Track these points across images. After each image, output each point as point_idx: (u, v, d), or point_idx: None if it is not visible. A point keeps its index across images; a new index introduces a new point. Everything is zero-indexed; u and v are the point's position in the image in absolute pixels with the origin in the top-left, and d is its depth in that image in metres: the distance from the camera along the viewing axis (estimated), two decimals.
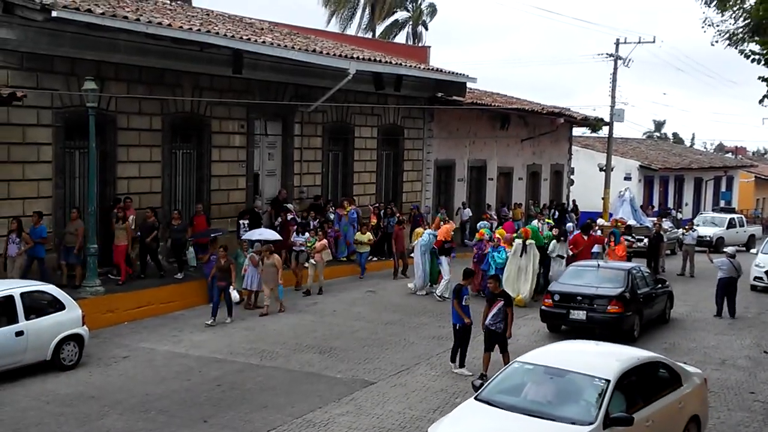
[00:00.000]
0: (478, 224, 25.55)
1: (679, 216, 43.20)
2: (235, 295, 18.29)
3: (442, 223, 23.68)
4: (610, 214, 30.74)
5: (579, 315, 17.43)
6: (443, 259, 21.67)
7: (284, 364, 15.06)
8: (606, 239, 24.33)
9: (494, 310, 14.05)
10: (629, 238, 26.13)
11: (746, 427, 12.44)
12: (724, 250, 22.67)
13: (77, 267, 18.54)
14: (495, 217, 31.74)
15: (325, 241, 21.94)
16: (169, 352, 15.73)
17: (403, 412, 12.52)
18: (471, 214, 32.21)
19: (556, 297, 17.82)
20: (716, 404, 13.37)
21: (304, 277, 21.94)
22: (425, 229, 23.61)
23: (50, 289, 14.88)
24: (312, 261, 21.50)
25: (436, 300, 20.96)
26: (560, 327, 17.98)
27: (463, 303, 14.51)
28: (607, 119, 43.78)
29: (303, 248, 21.74)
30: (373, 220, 26.22)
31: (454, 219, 29.92)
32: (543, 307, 18.05)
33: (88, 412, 12.34)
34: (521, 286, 20.94)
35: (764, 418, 12.89)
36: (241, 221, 22.59)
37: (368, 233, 24.28)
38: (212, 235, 20.63)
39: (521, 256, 21.16)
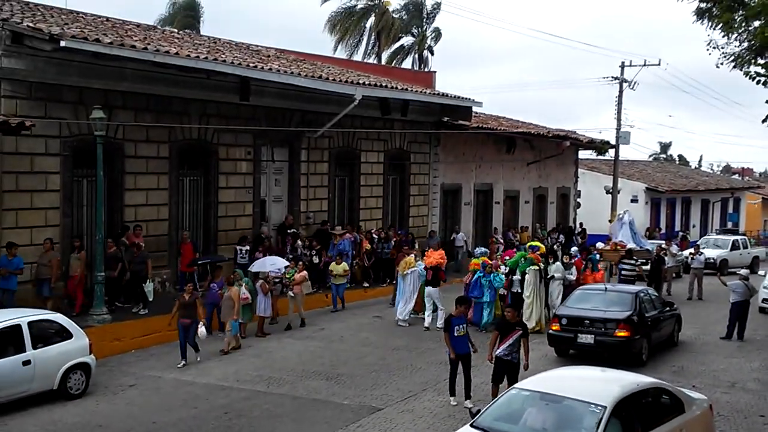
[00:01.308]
0: (476, 251, 23.96)
1: (688, 237, 42.98)
2: (202, 331, 16.82)
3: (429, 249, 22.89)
4: (607, 238, 30.42)
5: (587, 339, 17.36)
6: (433, 291, 20.68)
7: (291, 391, 15.02)
8: (583, 264, 23.47)
9: (510, 341, 13.46)
10: (632, 261, 25.61)
11: None
12: (738, 272, 22.53)
13: (51, 300, 17.79)
14: (501, 240, 31.70)
15: (304, 272, 20.92)
16: (175, 380, 15.71)
17: None
18: (466, 239, 31.44)
19: (564, 321, 17.76)
20: (726, 428, 13.28)
21: (280, 310, 20.70)
22: (413, 254, 22.66)
23: (58, 317, 14.90)
24: (290, 293, 20.40)
25: (437, 330, 20.12)
26: (568, 351, 17.90)
27: (455, 334, 13.90)
28: (612, 142, 43.84)
29: (277, 280, 20.78)
30: (366, 246, 25.85)
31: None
32: (551, 331, 18.00)
33: None
34: (535, 312, 20.73)
35: None
36: (238, 247, 22.41)
37: (343, 263, 22.78)
38: (213, 261, 20.60)
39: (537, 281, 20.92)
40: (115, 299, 19.54)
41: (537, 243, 23.89)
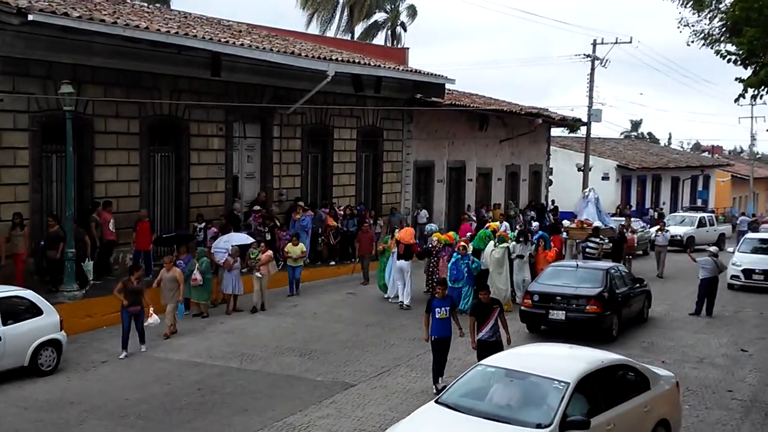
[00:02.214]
0: (428, 227, 24.07)
1: (666, 217, 43.27)
2: (155, 319, 16.00)
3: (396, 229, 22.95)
4: (575, 215, 30.43)
5: (558, 315, 17.51)
6: (405, 264, 20.64)
7: (264, 368, 15.03)
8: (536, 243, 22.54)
9: (492, 321, 13.30)
10: (597, 240, 25.27)
11: (724, 426, 12.53)
12: (708, 249, 22.78)
13: None
14: (474, 218, 31.80)
15: (270, 252, 20.32)
16: (148, 357, 15.65)
17: (383, 414, 12.53)
18: (428, 215, 31.28)
19: (536, 297, 17.90)
20: (694, 402, 13.48)
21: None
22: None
23: (28, 294, 14.77)
24: (257, 274, 19.76)
25: (403, 309, 20.33)
26: (540, 327, 18.07)
27: (437, 316, 13.57)
28: (584, 119, 44.06)
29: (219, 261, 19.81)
30: (332, 223, 25.60)
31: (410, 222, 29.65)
32: (522, 308, 18.14)
33: (67, 417, 12.26)
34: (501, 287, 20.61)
35: (742, 416, 13.00)
36: (196, 224, 21.97)
37: (300, 244, 21.71)
38: (179, 236, 20.51)
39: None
40: (59, 280, 18.14)
41: (491, 223, 23.92)
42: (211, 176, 23.21)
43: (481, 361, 10.80)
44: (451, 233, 22.45)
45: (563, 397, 9.34)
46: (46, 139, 18.77)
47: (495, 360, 10.66)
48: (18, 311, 14.29)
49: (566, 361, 10.42)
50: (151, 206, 21.68)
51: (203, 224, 21.80)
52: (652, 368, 11.63)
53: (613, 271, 18.90)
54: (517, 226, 29.09)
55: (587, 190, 32.90)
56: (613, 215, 37.30)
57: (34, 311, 14.44)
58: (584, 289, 17.74)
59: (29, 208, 18.48)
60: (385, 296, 21.39)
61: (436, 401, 10.02)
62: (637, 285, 19.71)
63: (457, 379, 10.53)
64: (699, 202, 58.01)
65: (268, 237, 22.82)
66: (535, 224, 27.30)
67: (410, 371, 14.97)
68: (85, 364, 15.03)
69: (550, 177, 43.55)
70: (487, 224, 24.33)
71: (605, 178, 49.69)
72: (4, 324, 13.77)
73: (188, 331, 17.67)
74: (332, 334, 17.72)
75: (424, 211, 31.20)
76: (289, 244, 21.68)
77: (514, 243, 21.61)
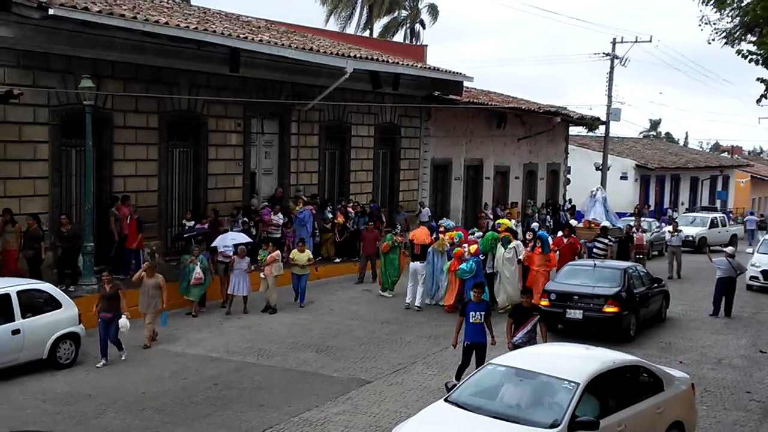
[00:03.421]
0: (446, 223, 23.23)
1: (676, 215, 43.07)
2: (123, 322, 14.82)
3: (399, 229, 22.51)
4: (582, 215, 30.00)
5: (575, 314, 17.44)
6: (419, 266, 20.28)
7: (281, 363, 15.06)
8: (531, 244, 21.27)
9: (528, 327, 13.07)
10: (605, 240, 24.46)
11: (742, 427, 12.45)
12: (724, 249, 22.62)
13: None
14: (491, 216, 31.72)
15: (276, 253, 19.64)
16: (165, 351, 15.72)
17: (399, 411, 12.52)
18: (430, 213, 30.20)
19: (553, 296, 17.84)
20: (712, 403, 13.41)
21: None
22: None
23: (47, 287, 14.86)
24: (261, 275, 19.44)
25: (415, 310, 20.01)
26: (557, 326, 17.97)
27: (471, 320, 13.20)
28: (603, 118, 43.86)
29: (227, 260, 19.57)
30: (340, 219, 25.31)
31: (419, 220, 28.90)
32: (540, 307, 18.04)
33: (85, 410, 12.32)
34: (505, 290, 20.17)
35: (760, 417, 12.91)
36: (185, 221, 21.24)
37: (307, 251, 20.24)
38: (196, 235, 20.33)
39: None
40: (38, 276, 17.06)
41: (502, 221, 23.13)
42: (229, 172, 23.25)
43: (492, 360, 10.74)
44: (453, 233, 21.55)
45: (573, 398, 9.28)
46: (66, 133, 18.86)
47: (505, 359, 10.62)
48: (37, 304, 14.37)
49: (577, 361, 10.35)
50: (168, 201, 21.74)
51: (192, 222, 21.10)
52: (667, 369, 11.55)
53: (631, 270, 18.79)
54: (520, 226, 28.47)
55: (595, 189, 32.42)
56: (632, 215, 37.11)
57: (53, 304, 14.52)
58: (602, 289, 17.66)
59: (49, 201, 18.57)
60: (406, 302, 20.34)
61: (446, 400, 9.98)
62: (656, 285, 19.58)
63: (467, 377, 10.50)
64: (718, 203, 57.66)
65: (254, 232, 22.11)
66: (534, 224, 26.56)
67: (426, 368, 14.95)
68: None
69: (568, 176, 43.39)
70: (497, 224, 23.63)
71: (624, 177, 49.46)
72: (23, 317, 13.86)
73: (205, 326, 17.75)
74: (348, 330, 17.73)
75: (427, 209, 30.39)
76: (295, 250, 20.29)
77: (518, 243, 21.03)
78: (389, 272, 21.63)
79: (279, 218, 23.08)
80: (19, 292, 14.01)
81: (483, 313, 13.29)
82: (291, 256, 20.29)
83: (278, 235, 22.74)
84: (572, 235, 23.56)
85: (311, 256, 20.47)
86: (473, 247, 19.82)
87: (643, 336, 17.96)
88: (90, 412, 12.27)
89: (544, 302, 17.77)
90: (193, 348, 15.97)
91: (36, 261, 17.51)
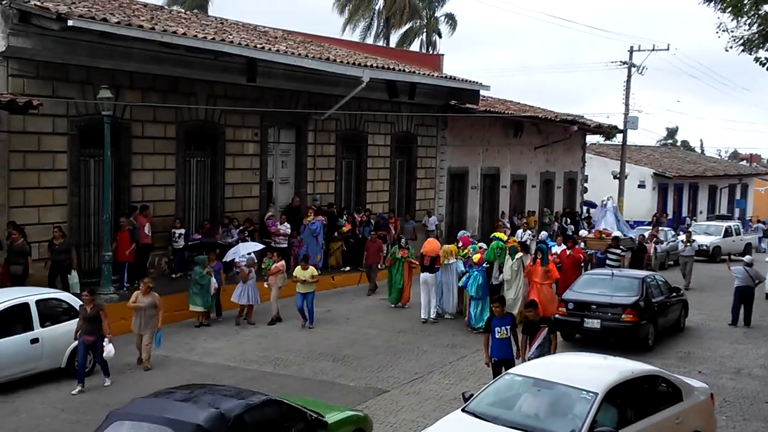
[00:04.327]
0: (460, 233, 22.66)
1: (690, 224, 42.64)
2: (109, 349, 13.97)
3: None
4: (593, 225, 29.51)
5: (593, 324, 17.35)
6: (429, 277, 19.84)
7: (298, 372, 15.07)
8: (532, 256, 20.47)
9: (538, 340, 12.64)
10: (617, 251, 24.11)
11: None
12: (742, 258, 22.46)
13: None
14: (508, 225, 31.65)
15: (280, 264, 19.42)
16: (182, 360, 15.77)
17: (416, 420, 12.49)
18: (437, 222, 29.91)
19: (570, 305, 17.76)
20: (732, 413, 13.30)
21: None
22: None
23: (65, 296, 14.98)
24: (265, 285, 19.34)
25: (431, 323, 19.66)
26: (574, 336, 17.92)
27: (496, 335, 12.79)
28: (620, 127, 43.70)
29: (237, 270, 19.58)
30: (347, 228, 25.11)
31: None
32: (557, 316, 17.97)
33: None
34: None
35: None
36: (174, 230, 20.81)
37: (311, 268, 18.94)
38: (206, 245, 20.23)
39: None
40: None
41: (499, 234, 22.17)
42: (246, 181, 23.33)
43: (510, 370, 10.66)
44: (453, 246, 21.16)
45: (591, 408, 9.21)
46: (85, 143, 19.00)
47: (523, 369, 10.57)
48: (55, 313, 14.48)
49: (595, 371, 10.26)
50: (186, 211, 21.84)
51: (182, 230, 20.83)
52: (686, 379, 11.47)
53: (649, 279, 18.68)
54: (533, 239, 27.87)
55: (605, 198, 31.93)
56: (650, 223, 36.87)
57: (71, 313, 14.60)
58: (620, 298, 17.57)
59: (67, 211, 18.70)
60: (422, 318, 19.95)
61: (463, 410, 9.92)
62: (674, 294, 19.46)
63: (485, 387, 10.44)
64: (737, 212, 57.28)
65: (249, 240, 21.50)
66: (543, 234, 26.03)
67: (443, 378, 14.92)
68: (120, 366, 15.12)
69: (585, 184, 43.24)
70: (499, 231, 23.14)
71: (641, 186, 49.23)
72: (42, 326, 13.95)
73: (221, 335, 17.79)
74: (365, 339, 17.72)
75: (434, 217, 29.89)
76: (298, 267, 19.01)
77: (523, 254, 20.13)
78: (391, 286, 21.29)
79: (286, 227, 22.99)
80: (38, 301, 14.13)
81: (508, 327, 12.90)
82: (294, 273, 18.99)
83: (285, 245, 22.62)
84: (575, 247, 22.90)
85: (315, 273, 19.04)
86: (476, 257, 19.47)
87: (662, 345, 17.85)
88: None
89: (562, 311, 17.73)
90: (210, 357, 16.01)
91: (22, 276, 16.77)
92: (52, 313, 14.38)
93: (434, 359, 16.19)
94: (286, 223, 23.06)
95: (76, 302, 14.86)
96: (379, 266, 23.57)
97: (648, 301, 17.74)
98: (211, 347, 16.77)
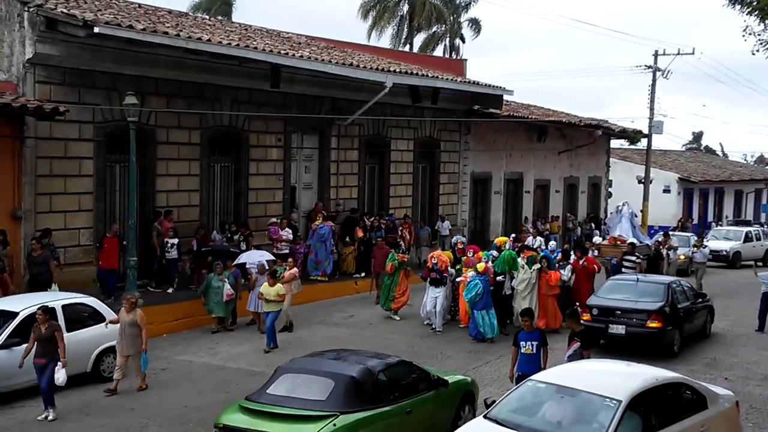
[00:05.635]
0: (454, 238, 22.18)
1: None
2: (61, 375, 12.64)
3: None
4: (607, 232, 28.69)
5: (618, 329, 17.24)
6: (438, 289, 19.33)
7: None
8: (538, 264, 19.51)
9: (569, 352, 12.40)
10: (633, 258, 23.01)
11: None
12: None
13: None
14: (531, 230, 31.50)
15: (293, 271, 19.12)
16: (206, 365, 15.84)
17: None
18: (450, 227, 29.38)
19: (595, 311, 17.65)
20: (758, 420, 13.17)
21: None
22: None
23: (91, 301, 15.09)
24: None
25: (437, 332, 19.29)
26: (599, 342, 17.78)
27: (522, 350, 12.41)
28: (645, 131, 43.42)
29: (249, 276, 19.34)
30: (359, 233, 24.84)
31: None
32: (581, 321, 17.83)
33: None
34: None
35: None
36: (166, 239, 20.03)
37: (278, 285, 17.72)
38: (220, 251, 20.28)
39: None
40: None
41: (499, 240, 21.80)
42: (270, 186, 23.43)
43: (532, 377, 10.56)
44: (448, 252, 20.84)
45: (615, 415, 9.11)
46: (110, 149, 19.16)
47: (546, 376, 10.46)
48: (82, 318, 14.59)
49: (619, 378, 10.17)
50: (210, 216, 21.96)
51: (176, 240, 20.12)
52: (711, 386, 11.33)
53: (674, 285, 18.51)
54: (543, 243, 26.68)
55: (620, 204, 30.95)
56: (675, 229, 36.49)
57: (97, 318, 14.73)
58: (645, 304, 17.43)
59: (93, 217, 18.87)
60: (431, 327, 19.60)
61: (485, 416, 9.87)
62: (700, 300, 19.30)
63: (507, 394, 10.38)
64: (763, 216, 56.68)
65: (243, 246, 21.14)
66: (552, 243, 25.27)
67: None
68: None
69: (610, 189, 42.96)
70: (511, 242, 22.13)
71: (666, 190, 48.88)
72: (69, 330, 14.02)
73: (245, 340, 17.85)
74: (388, 344, 17.67)
75: (447, 222, 29.53)
76: (265, 284, 17.83)
77: (538, 266, 19.52)
78: (386, 292, 20.64)
79: (287, 233, 22.75)
80: (64, 306, 14.24)
81: (535, 343, 12.39)
82: (261, 290, 17.83)
83: (287, 251, 22.05)
84: (587, 256, 21.30)
85: (282, 292, 17.75)
86: (481, 266, 18.86)
87: (688, 352, 17.69)
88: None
89: (586, 317, 17.54)
90: (235, 362, 16.07)
91: (47, 282, 16.57)
92: (78, 317, 14.50)
93: (457, 364, 16.14)
94: (287, 229, 22.88)
95: (102, 307, 15.00)
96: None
97: (674, 307, 17.59)
98: (234, 352, 16.83)
